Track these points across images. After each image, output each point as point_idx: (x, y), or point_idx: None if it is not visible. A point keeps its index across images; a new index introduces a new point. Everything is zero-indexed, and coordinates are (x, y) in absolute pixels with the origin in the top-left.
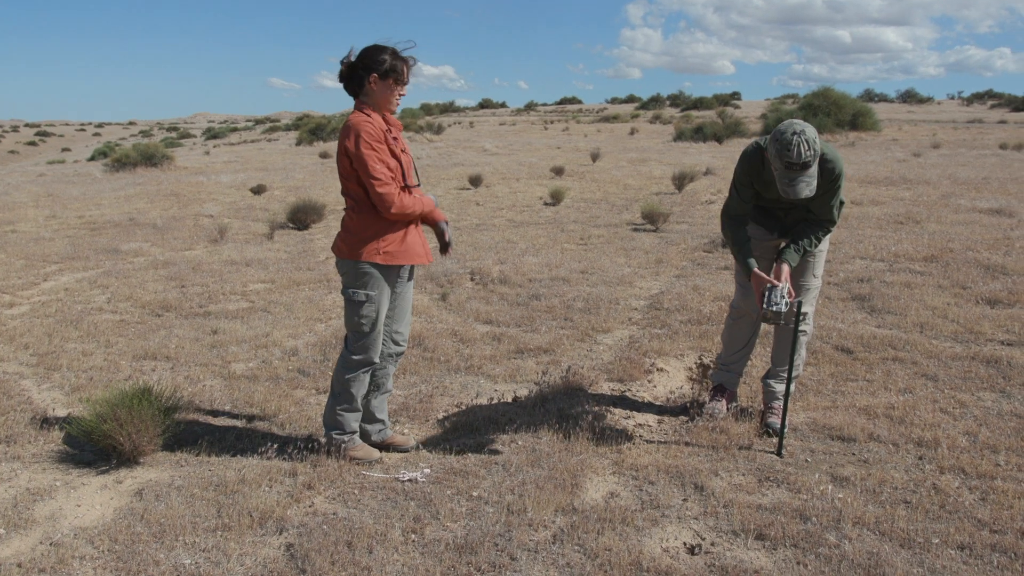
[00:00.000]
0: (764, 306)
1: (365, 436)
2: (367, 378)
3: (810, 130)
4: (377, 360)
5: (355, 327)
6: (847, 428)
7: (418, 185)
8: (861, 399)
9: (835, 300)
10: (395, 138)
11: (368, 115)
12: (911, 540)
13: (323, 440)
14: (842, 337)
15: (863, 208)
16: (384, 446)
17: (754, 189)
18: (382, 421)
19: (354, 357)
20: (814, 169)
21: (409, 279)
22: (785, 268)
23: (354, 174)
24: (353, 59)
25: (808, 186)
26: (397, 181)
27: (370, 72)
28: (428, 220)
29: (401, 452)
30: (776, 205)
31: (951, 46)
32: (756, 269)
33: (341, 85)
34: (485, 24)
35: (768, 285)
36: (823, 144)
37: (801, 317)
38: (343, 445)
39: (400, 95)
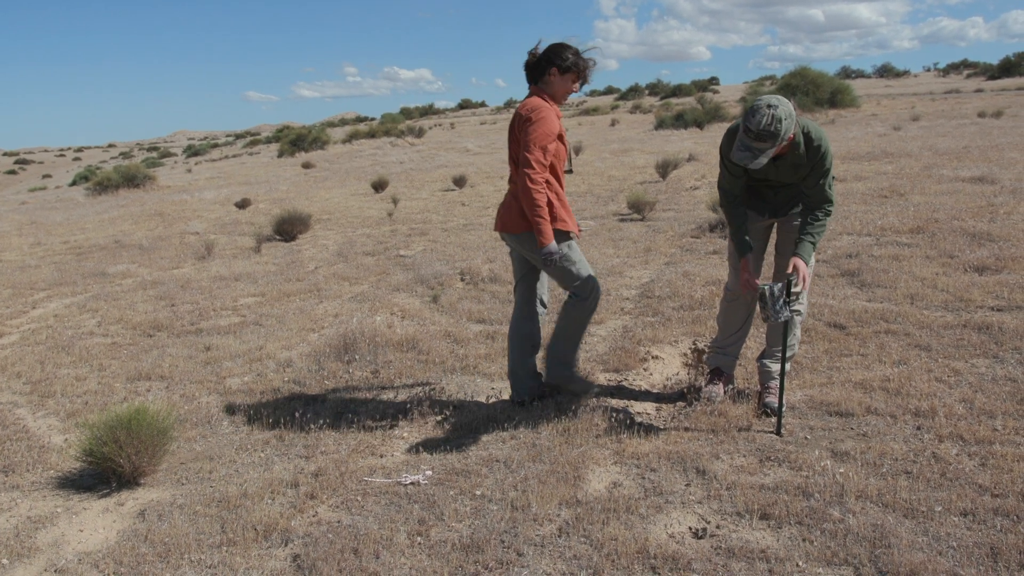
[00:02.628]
0: (770, 317)
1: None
2: None
3: (784, 108)
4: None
5: (573, 277)
6: (844, 403)
7: (569, 171)
8: (856, 373)
9: (825, 277)
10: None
11: (548, 103)
12: (914, 510)
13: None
14: (834, 313)
15: (847, 184)
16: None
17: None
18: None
19: (589, 301)
20: (770, 147)
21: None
22: (801, 264)
23: None
24: (540, 52)
25: (754, 159)
26: (560, 162)
27: (552, 65)
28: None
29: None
30: (764, 185)
31: (924, 18)
32: (747, 255)
33: (525, 71)
34: (459, 25)
35: (767, 293)
36: (807, 123)
37: (794, 297)
38: (576, 377)
39: (573, 91)
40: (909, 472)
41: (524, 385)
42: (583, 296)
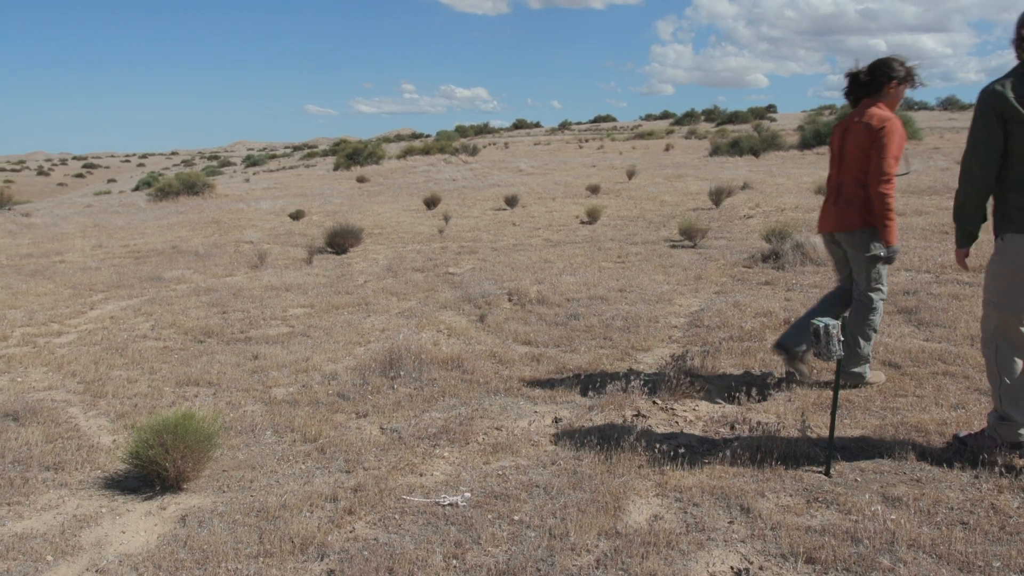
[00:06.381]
0: (822, 355)
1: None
2: None
3: None
4: None
5: (878, 273)
6: (898, 446)
7: (906, 173)
8: (911, 415)
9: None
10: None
11: (892, 114)
12: (970, 563)
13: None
14: (889, 352)
15: (907, 219)
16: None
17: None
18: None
19: (879, 295)
20: None
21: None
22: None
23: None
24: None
25: None
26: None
27: (890, 79)
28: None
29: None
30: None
31: (991, 51)
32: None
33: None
34: (515, 46)
35: (821, 330)
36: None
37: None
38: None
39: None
40: (965, 523)
41: (792, 333)
42: (877, 287)
